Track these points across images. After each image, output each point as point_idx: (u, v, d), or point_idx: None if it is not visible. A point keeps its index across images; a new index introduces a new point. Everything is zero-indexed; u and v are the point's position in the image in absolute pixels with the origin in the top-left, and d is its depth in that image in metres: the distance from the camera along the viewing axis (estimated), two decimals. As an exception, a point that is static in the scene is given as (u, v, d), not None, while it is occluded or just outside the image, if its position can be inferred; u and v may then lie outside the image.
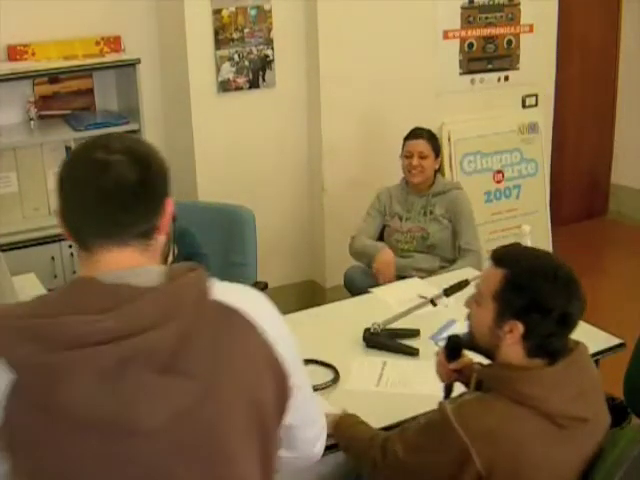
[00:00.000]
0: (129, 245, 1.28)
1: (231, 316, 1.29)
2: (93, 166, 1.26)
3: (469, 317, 1.88)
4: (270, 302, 1.40)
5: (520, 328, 1.72)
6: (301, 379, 1.40)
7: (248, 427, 1.28)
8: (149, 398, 1.18)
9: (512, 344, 1.75)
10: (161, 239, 1.34)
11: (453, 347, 2.07)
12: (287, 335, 1.39)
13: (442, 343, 2.51)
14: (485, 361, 1.92)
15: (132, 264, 1.27)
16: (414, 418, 2.20)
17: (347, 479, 2.24)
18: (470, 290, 2.02)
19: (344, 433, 2.07)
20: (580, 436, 1.76)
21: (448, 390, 2.08)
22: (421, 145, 3.67)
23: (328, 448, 1.70)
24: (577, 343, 1.82)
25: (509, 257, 1.80)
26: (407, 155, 3.68)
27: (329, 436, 1.83)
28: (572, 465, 1.76)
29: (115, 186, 1.25)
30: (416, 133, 3.72)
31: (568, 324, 1.74)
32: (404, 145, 3.72)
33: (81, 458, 1.19)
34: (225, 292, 1.32)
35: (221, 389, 1.25)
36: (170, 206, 1.33)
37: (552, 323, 1.72)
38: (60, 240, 3.78)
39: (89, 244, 1.28)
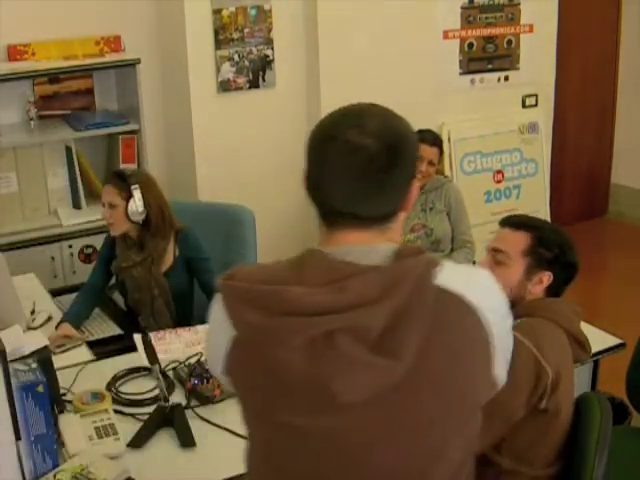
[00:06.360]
0: (370, 228, 1.31)
1: (451, 302, 1.25)
2: (344, 147, 1.27)
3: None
4: (499, 292, 1.34)
5: (549, 277, 2.04)
6: (501, 383, 1.34)
7: (452, 416, 1.28)
8: (352, 373, 1.21)
9: (535, 292, 2.05)
10: (402, 215, 1.36)
11: None
12: (505, 334, 1.33)
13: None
14: None
15: (366, 243, 1.30)
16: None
17: None
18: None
19: None
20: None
21: None
22: (433, 153, 3.70)
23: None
24: None
25: (526, 221, 2.11)
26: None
27: None
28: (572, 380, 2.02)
29: (362, 173, 1.26)
30: (431, 140, 3.72)
31: (574, 276, 2.08)
32: None
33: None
34: (451, 278, 1.27)
35: (427, 374, 1.24)
36: (416, 188, 1.35)
37: (570, 273, 2.06)
38: (60, 240, 3.78)
39: (331, 220, 1.32)
